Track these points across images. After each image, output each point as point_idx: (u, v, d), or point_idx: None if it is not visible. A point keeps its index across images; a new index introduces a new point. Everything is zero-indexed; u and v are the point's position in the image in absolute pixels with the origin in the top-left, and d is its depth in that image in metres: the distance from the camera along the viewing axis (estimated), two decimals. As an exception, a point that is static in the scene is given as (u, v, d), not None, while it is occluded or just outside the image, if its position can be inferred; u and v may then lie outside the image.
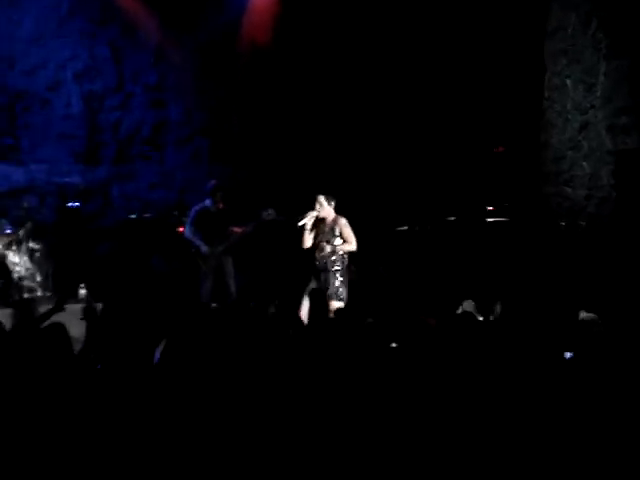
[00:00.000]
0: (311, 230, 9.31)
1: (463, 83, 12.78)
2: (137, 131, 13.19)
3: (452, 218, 11.58)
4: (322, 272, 9.22)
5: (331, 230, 9.26)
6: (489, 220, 11.50)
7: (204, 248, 10.39)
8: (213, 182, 10.65)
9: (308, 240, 9.33)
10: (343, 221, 9.30)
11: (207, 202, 10.55)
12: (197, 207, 10.58)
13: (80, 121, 12.86)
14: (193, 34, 13.04)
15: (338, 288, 9.13)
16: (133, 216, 12.44)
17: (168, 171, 13.29)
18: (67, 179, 12.41)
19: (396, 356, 5.68)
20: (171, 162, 13.35)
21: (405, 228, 11.70)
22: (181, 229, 11.15)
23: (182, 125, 13.40)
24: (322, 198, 9.33)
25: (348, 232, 9.29)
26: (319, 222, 9.32)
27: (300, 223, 9.26)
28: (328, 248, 9.22)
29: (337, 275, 9.17)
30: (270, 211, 10.44)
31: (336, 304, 8.89)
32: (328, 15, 12.92)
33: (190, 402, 5.11)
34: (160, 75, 13.24)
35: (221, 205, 10.52)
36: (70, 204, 11.99)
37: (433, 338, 5.74)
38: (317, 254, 9.28)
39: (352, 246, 9.28)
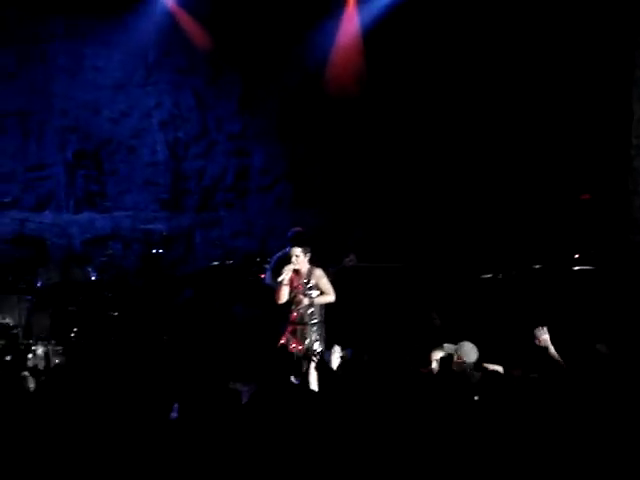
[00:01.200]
0: (289, 283, 8.94)
1: (550, 130, 12.65)
2: (220, 179, 13.35)
3: (538, 266, 11.39)
4: (299, 326, 8.89)
5: (307, 282, 8.95)
6: (575, 268, 11.30)
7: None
8: (295, 229, 10.69)
9: (284, 294, 8.94)
10: (319, 272, 9.01)
11: (289, 249, 10.59)
12: (279, 254, 10.63)
13: (165, 168, 13.09)
14: (276, 82, 13.20)
15: (314, 342, 8.81)
16: (215, 263, 12.50)
17: (250, 218, 13.39)
18: (151, 226, 12.58)
19: (480, 409, 5.58)
20: (254, 209, 13.46)
21: (489, 275, 11.54)
22: (263, 276, 11.19)
23: (264, 172, 13.52)
24: (299, 250, 9.00)
25: (325, 283, 8.99)
26: (294, 275, 8.97)
27: (280, 279, 8.89)
28: (305, 301, 8.89)
29: (314, 328, 8.87)
30: (351, 257, 10.41)
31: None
32: (412, 61, 12.95)
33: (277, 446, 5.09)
34: (243, 123, 13.40)
35: (303, 251, 10.54)
36: (154, 251, 12.14)
37: (519, 390, 5.63)
38: (294, 307, 8.93)
39: (330, 297, 8.98)
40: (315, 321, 8.91)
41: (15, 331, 10.27)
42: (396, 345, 9.43)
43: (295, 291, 8.95)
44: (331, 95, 13.14)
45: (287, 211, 13.32)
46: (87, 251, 12.17)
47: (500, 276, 11.57)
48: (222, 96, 13.24)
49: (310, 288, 8.94)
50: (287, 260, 10.49)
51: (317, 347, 8.81)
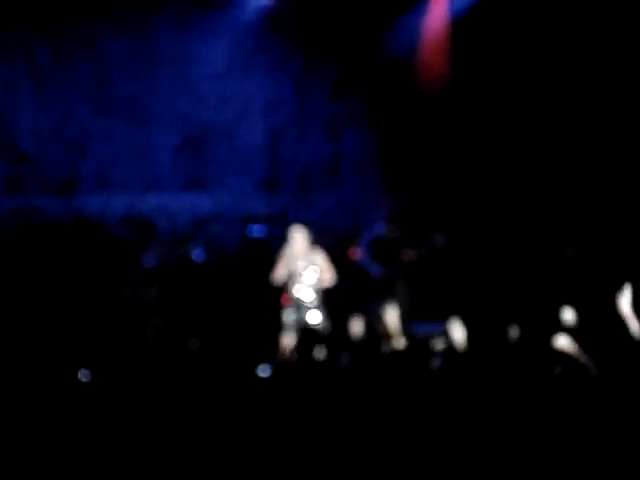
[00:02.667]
0: (286, 263, 9.22)
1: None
2: (314, 162, 13.85)
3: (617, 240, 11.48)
4: (298, 305, 9.17)
5: (307, 262, 9.21)
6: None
7: (376, 271, 10.80)
8: (385, 209, 11.10)
9: (282, 273, 9.21)
10: (320, 253, 9.27)
11: (379, 228, 11.01)
12: (370, 233, 11.05)
13: (263, 153, 13.63)
14: (368, 68, 13.61)
15: (310, 317, 9.11)
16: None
17: (343, 199, 13.82)
18: (250, 207, 13.14)
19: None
20: (347, 190, 13.88)
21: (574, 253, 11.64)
22: (353, 253, 11.58)
23: (357, 155, 13.92)
24: (299, 229, 9.32)
25: (325, 264, 9.25)
26: (295, 254, 9.24)
27: (279, 257, 9.19)
28: (304, 280, 9.18)
29: (313, 308, 9.15)
30: (440, 237, 10.78)
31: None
32: (501, 48, 13.23)
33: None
34: (337, 108, 13.83)
35: (393, 231, 10.95)
36: (255, 229, 12.66)
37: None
38: (292, 287, 9.20)
39: (329, 278, 9.25)
40: (314, 300, 9.23)
41: None
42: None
43: (295, 271, 9.24)
44: (419, 81, 13.49)
45: (377, 193, 13.68)
46: (191, 231, 12.80)
47: (586, 253, 11.68)
48: (317, 83, 13.71)
49: (311, 268, 9.23)
50: (379, 239, 10.96)
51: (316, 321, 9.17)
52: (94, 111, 13.29)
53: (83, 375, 9.28)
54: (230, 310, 11.39)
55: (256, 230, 12.64)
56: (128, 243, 12.05)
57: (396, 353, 7.46)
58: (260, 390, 6.23)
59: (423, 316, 10.83)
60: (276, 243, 13.22)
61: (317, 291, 9.28)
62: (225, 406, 6.03)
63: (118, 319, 10.81)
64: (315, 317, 9.18)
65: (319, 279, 9.29)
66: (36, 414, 6.05)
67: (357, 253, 11.24)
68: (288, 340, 8.99)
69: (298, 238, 9.32)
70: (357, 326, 8.76)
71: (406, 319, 10.63)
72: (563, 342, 7.18)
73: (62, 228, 12.64)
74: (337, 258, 12.30)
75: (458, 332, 8.83)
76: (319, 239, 12.22)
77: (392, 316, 8.88)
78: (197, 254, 11.42)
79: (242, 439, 5.54)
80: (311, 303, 9.22)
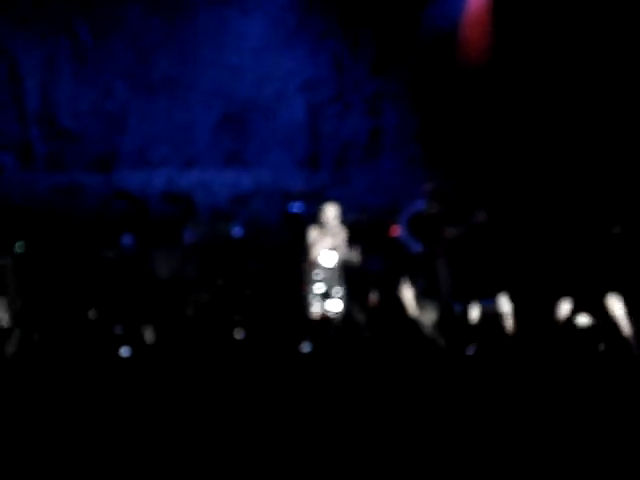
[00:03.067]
0: (316, 241, 9.28)
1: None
2: (354, 138, 13.82)
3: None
4: (324, 282, 9.22)
5: (334, 241, 9.25)
6: None
7: (416, 248, 10.77)
8: (426, 185, 11.06)
9: (313, 251, 9.27)
10: (345, 233, 9.34)
11: (420, 205, 10.97)
12: (410, 210, 11.01)
13: (303, 129, 13.64)
14: (409, 44, 13.52)
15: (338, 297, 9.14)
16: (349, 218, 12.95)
17: (383, 176, 13.80)
18: (290, 184, 13.16)
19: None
20: (386, 167, 13.86)
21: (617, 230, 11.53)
22: (393, 231, 11.57)
23: (397, 131, 13.88)
24: (331, 208, 9.36)
25: (343, 244, 9.28)
26: (324, 232, 9.30)
27: (310, 238, 9.26)
28: (331, 258, 9.19)
29: (338, 286, 9.20)
30: (481, 214, 10.71)
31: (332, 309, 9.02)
32: (544, 21, 13.07)
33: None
34: (377, 85, 13.81)
35: (434, 208, 10.91)
36: (294, 206, 12.68)
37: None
38: (318, 264, 9.24)
39: (347, 257, 9.24)
40: (338, 278, 9.29)
41: None
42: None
43: (322, 249, 9.29)
44: (460, 56, 13.39)
45: (419, 169, 13.65)
46: (231, 208, 12.84)
47: (633, 229, 11.53)
48: (358, 59, 13.69)
49: (337, 247, 9.28)
50: (419, 215, 10.92)
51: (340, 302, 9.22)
52: (134, 87, 13.38)
53: (125, 351, 9.38)
54: (269, 286, 11.42)
55: (297, 207, 12.64)
56: (168, 219, 12.10)
57: (415, 328, 7.47)
58: (301, 364, 6.28)
59: (465, 294, 10.80)
60: (315, 220, 13.34)
61: (337, 270, 9.32)
62: (266, 381, 6.08)
63: (159, 295, 10.87)
64: (335, 293, 9.25)
65: (340, 258, 9.33)
66: (77, 390, 6.10)
67: (398, 230, 11.20)
68: (315, 313, 9.08)
69: (330, 216, 9.30)
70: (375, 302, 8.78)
71: (447, 297, 10.66)
72: (615, 305, 7.14)
73: (102, 204, 12.76)
74: (376, 235, 12.37)
75: (503, 309, 8.82)
76: (358, 217, 12.31)
77: (408, 293, 8.86)
78: (237, 230, 11.44)
79: (283, 413, 5.59)
80: (331, 280, 9.26)
